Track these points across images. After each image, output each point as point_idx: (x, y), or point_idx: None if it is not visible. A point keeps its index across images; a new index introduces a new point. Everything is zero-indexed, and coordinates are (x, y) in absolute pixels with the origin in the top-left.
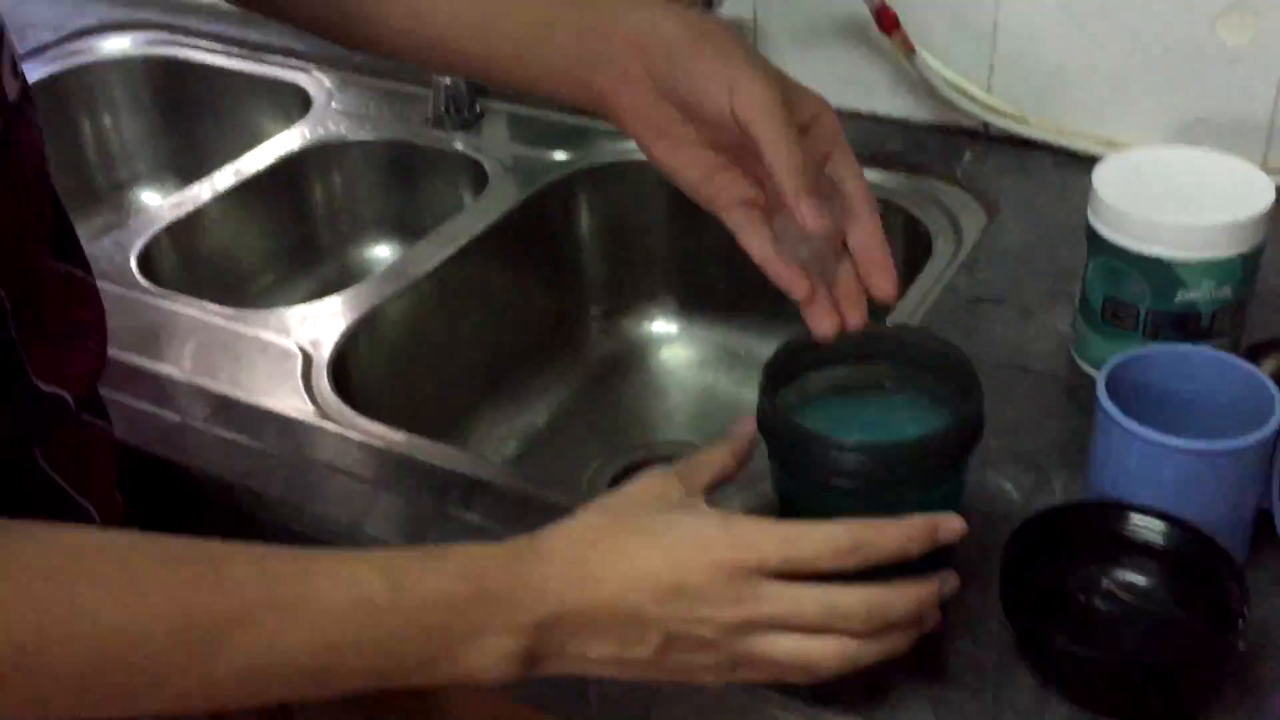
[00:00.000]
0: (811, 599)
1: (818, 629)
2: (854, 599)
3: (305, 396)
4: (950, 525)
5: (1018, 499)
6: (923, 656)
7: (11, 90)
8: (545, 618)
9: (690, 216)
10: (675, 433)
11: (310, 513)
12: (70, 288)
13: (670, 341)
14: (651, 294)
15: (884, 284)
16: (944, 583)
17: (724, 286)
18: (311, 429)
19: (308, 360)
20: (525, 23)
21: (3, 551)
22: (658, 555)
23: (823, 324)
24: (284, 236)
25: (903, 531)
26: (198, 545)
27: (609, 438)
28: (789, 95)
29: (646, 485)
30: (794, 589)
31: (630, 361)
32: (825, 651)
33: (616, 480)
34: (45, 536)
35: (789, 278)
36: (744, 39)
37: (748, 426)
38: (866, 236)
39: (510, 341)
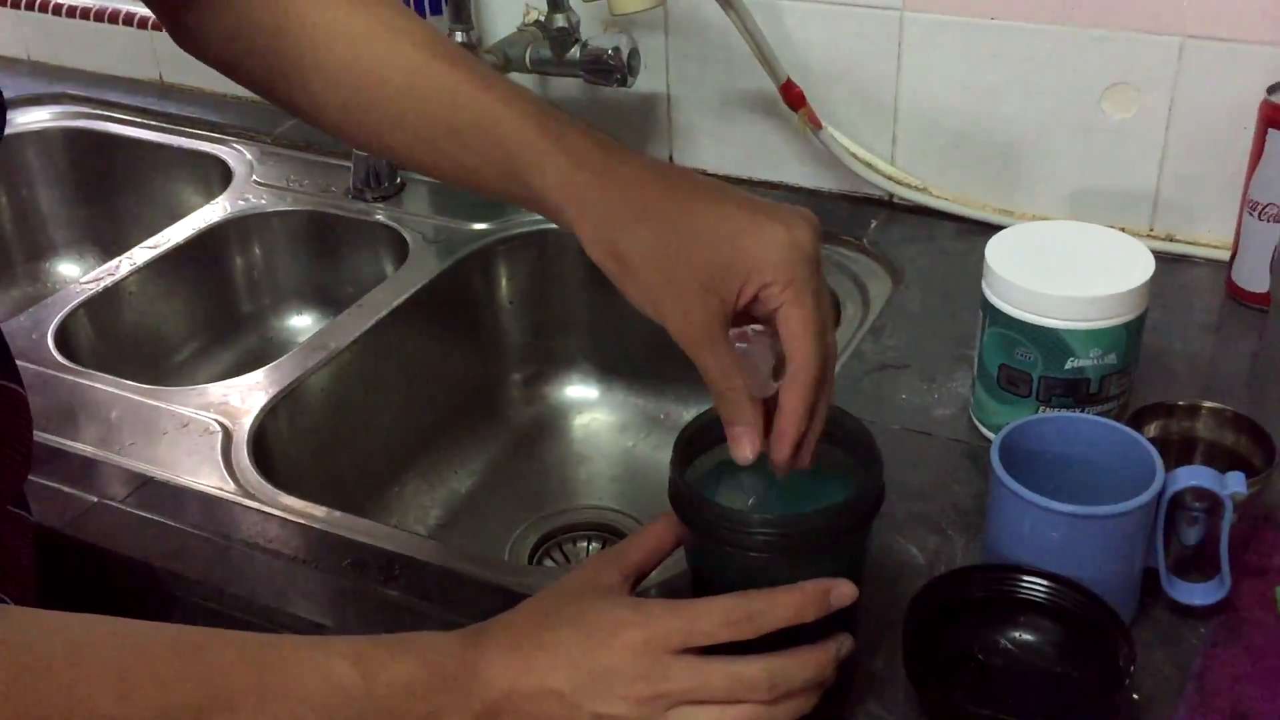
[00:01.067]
0: (716, 671)
1: (726, 699)
2: (756, 669)
3: (225, 473)
4: (841, 591)
5: (922, 561)
6: None
7: None
8: (491, 702)
9: (609, 284)
10: (596, 498)
11: (230, 593)
12: None
13: (590, 407)
14: (571, 360)
15: (777, 456)
16: (840, 645)
17: (642, 352)
18: (231, 506)
19: (228, 436)
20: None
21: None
22: (575, 640)
23: (743, 449)
24: (205, 309)
25: (796, 599)
26: (181, 633)
27: (531, 504)
28: (726, 275)
29: (582, 572)
30: (699, 662)
31: (551, 427)
32: (739, 719)
33: (539, 546)
34: (37, 625)
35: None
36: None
37: None
38: (789, 403)
39: (432, 410)
